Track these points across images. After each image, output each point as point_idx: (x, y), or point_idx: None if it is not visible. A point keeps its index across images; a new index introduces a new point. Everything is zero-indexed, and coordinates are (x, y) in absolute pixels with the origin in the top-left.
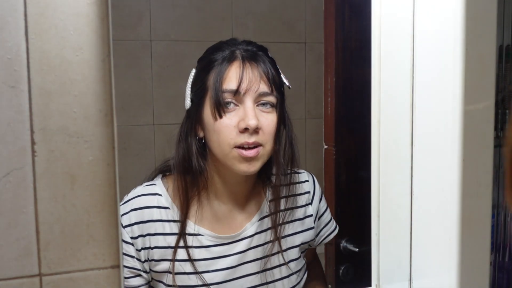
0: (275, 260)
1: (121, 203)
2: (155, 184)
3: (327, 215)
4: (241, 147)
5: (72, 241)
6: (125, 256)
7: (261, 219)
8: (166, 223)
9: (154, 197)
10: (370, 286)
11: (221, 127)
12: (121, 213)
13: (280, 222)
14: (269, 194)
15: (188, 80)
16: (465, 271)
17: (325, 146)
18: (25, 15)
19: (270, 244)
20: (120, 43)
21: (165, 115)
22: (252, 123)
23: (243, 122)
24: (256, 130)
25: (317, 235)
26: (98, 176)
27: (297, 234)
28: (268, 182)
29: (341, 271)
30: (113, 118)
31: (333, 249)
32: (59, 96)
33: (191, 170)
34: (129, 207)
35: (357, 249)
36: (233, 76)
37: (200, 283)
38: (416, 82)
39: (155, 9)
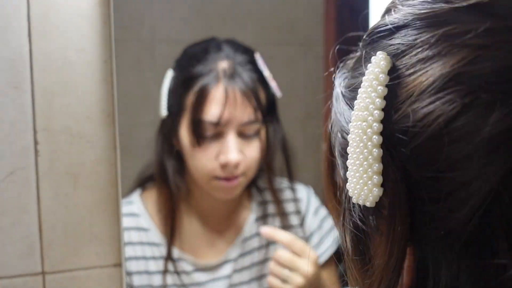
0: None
1: None
2: (133, 202)
3: (322, 227)
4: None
5: (74, 240)
6: None
7: (245, 240)
8: (146, 246)
9: (132, 219)
10: None
11: (199, 157)
12: None
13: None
14: (254, 212)
15: (165, 83)
16: None
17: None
18: (28, 17)
19: (258, 266)
20: (122, 44)
21: None
22: (232, 157)
23: (224, 156)
24: (236, 165)
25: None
26: (100, 175)
27: None
28: (256, 194)
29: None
30: (115, 119)
31: None
32: (61, 96)
33: (168, 187)
34: None
35: None
36: (214, 104)
37: None
38: None
39: (157, 11)
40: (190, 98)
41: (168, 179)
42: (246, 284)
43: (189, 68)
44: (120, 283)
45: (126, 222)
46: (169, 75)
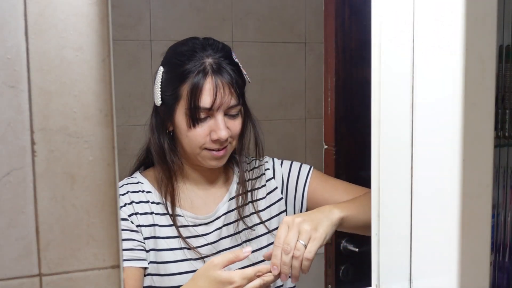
0: (248, 234)
1: None
2: (135, 177)
3: (295, 168)
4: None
5: (72, 241)
6: (129, 232)
7: (231, 199)
8: (152, 205)
9: (137, 184)
10: (370, 286)
11: (194, 135)
12: None
13: (246, 202)
14: (236, 178)
15: (157, 79)
16: (465, 271)
17: (325, 146)
18: (25, 15)
19: (239, 221)
20: (120, 43)
21: None
22: (223, 135)
23: (215, 133)
24: (225, 139)
25: (296, 190)
26: (98, 176)
27: (266, 209)
28: (236, 166)
29: (341, 271)
30: (113, 118)
31: (333, 249)
32: (59, 96)
33: (166, 163)
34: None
35: (357, 249)
36: (207, 94)
37: (189, 257)
38: (416, 82)
39: (155, 9)
40: (185, 89)
41: (165, 155)
42: (231, 236)
43: (181, 64)
44: (118, 285)
45: (134, 186)
46: (160, 70)
